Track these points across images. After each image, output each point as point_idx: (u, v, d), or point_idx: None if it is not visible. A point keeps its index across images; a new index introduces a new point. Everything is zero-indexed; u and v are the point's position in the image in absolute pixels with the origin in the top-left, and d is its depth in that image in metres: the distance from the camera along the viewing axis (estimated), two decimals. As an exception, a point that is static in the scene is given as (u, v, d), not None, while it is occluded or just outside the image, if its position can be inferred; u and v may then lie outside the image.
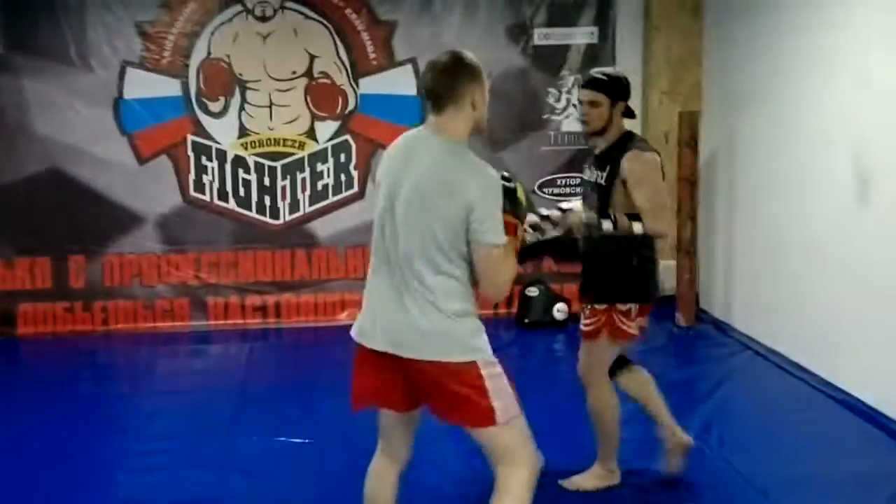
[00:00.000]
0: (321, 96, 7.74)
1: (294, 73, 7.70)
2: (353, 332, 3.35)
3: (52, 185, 7.50)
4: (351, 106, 7.79)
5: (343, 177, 7.84)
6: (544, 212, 4.27)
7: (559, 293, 7.68)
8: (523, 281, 7.55)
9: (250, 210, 7.80)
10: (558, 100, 7.92)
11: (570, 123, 7.81)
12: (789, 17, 6.33)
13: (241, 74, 7.64)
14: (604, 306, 4.30)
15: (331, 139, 7.80)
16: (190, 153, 7.68)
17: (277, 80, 7.70)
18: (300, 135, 7.78)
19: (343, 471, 4.67)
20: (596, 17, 7.92)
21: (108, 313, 7.72)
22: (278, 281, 7.87)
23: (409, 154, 3.21)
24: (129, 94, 7.55)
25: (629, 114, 4.38)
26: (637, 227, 4.07)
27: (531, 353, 7.06)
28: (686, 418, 5.37)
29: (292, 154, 7.78)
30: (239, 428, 5.45)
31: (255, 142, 7.73)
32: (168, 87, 7.60)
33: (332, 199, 7.86)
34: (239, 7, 7.57)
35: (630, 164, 4.19)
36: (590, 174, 4.41)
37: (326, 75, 7.72)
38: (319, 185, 7.84)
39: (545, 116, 7.96)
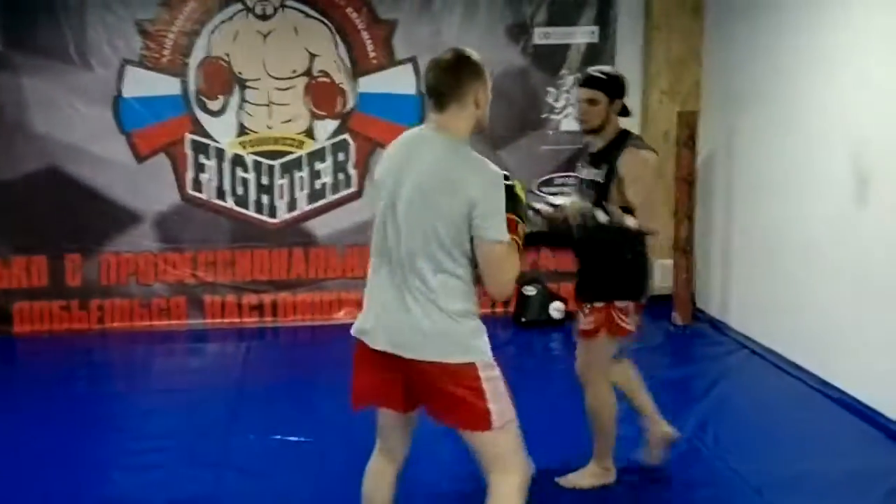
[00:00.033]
0: (321, 95, 7.74)
1: (294, 71, 7.69)
2: (353, 331, 3.33)
3: (50, 183, 7.49)
4: (350, 105, 7.78)
5: (341, 176, 7.83)
6: (536, 205, 4.28)
7: (556, 292, 7.68)
8: (521, 280, 7.54)
9: (248, 209, 7.79)
10: (557, 99, 7.92)
11: (570, 122, 7.79)
12: (790, 17, 6.33)
13: (240, 73, 7.63)
14: (602, 304, 4.31)
15: (330, 138, 7.80)
16: (188, 152, 7.67)
17: (277, 78, 7.69)
18: (299, 133, 7.77)
19: (340, 469, 4.67)
20: (596, 16, 7.91)
21: (104, 312, 7.71)
22: (275, 280, 7.86)
23: (410, 152, 3.20)
24: (128, 92, 7.53)
25: (625, 112, 4.39)
26: (630, 221, 4.08)
27: (528, 352, 7.07)
28: (682, 417, 5.40)
29: (291, 153, 7.78)
30: (236, 426, 5.45)
31: (253, 140, 7.73)
32: (167, 86, 7.58)
33: (330, 198, 7.85)
34: (239, 5, 7.55)
35: (627, 161, 4.21)
36: (585, 172, 4.42)
37: (326, 74, 7.72)
38: (318, 183, 7.83)
39: (544, 115, 7.96)
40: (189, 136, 7.66)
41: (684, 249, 7.54)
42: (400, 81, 7.78)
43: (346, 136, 7.79)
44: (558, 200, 4.25)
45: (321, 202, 7.85)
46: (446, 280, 3.09)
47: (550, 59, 7.91)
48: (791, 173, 6.37)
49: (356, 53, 7.71)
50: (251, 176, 7.75)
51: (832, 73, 5.85)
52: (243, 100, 7.67)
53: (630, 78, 7.66)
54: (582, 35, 7.91)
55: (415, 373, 3.15)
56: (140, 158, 7.60)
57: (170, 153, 7.65)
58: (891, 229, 5.21)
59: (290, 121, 7.74)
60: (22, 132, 7.43)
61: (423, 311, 3.09)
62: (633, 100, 7.72)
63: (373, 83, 7.79)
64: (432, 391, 3.16)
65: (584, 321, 4.39)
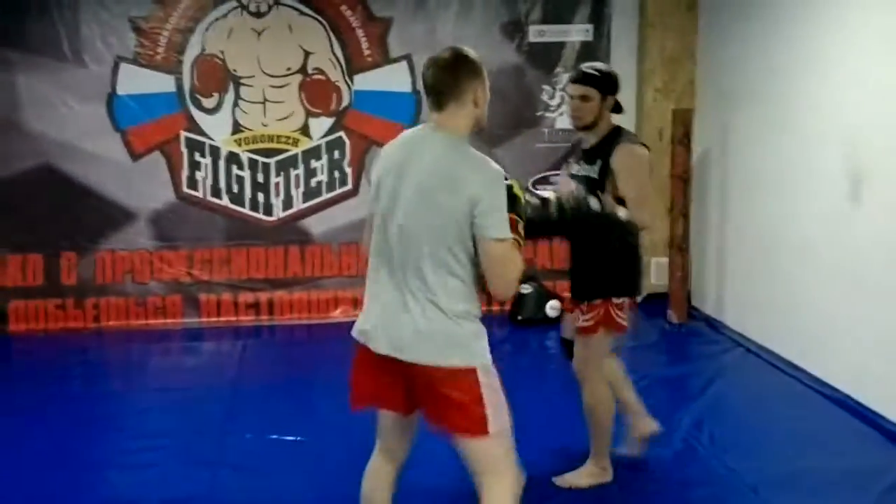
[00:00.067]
0: (316, 92, 7.73)
1: (288, 69, 7.69)
2: (353, 333, 3.31)
3: (45, 181, 7.49)
4: (345, 102, 7.77)
5: (337, 174, 7.83)
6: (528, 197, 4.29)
7: (552, 290, 7.69)
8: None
9: (244, 207, 7.79)
10: (553, 97, 7.92)
11: (565, 120, 7.78)
12: (784, 15, 6.34)
13: (235, 70, 7.62)
14: (599, 301, 4.33)
15: (325, 136, 7.79)
16: (183, 149, 7.66)
17: (272, 76, 7.68)
18: (294, 131, 7.76)
19: (336, 468, 4.70)
20: (591, 14, 7.93)
21: (99, 310, 7.70)
22: (271, 278, 7.86)
23: (409, 152, 3.18)
24: (122, 89, 7.53)
25: (618, 109, 4.40)
26: (622, 213, 4.08)
27: (524, 350, 7.07)
28: (678, 415, 5.42)
29: (286, 150, 7.78)
30: (231, 425, 5.44)
31: (248, 138, 7.72)
32: (162, 83, 7.58)
33: (325, 195, 7.85)
34: (234, 3, 7.55)
35: (621, 156, 4.22)
36: (577, 168, 4.43)
37: (321, 71, 7.71)
38: (313, 181, 7.83)
39: (539, 113, 7.97)
40: (184, 134, 7.65)
41: (680, 247, 7.54)
42: (395, 79, 7.78)
43: (341, 133, 7.79)
44: (545, 193, 4.25)
45: (317, 200, 7.85)
46: (448, 281, 3.07)
47: (545, 57, 7.92)
48: (786, 171, 6.37)
49: (351, 51, 7.71)
50: (246, 174, 7.74)
51: (827, 72, 5.85)
52: (238, 97, 7.67)
53: (624, 75, 7.66)
54: (577, 33, 7.93)
55: (414, 376, 3.12)
56: (135, 156, 7.60)
57: (165, 151, 7.64)
58: (885, 227, 5.22)
59: (285, 118, 7.74)
60: (16, 130, 7.43)
61: (424, 313, 3.07)
62: (627, 97, 7.71)
63: (368, 81, 7.78)
64: (430, 395, 3.13)
65: (582, 318, 4.39)
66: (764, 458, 4.83)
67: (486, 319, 3.23)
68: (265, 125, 7.72)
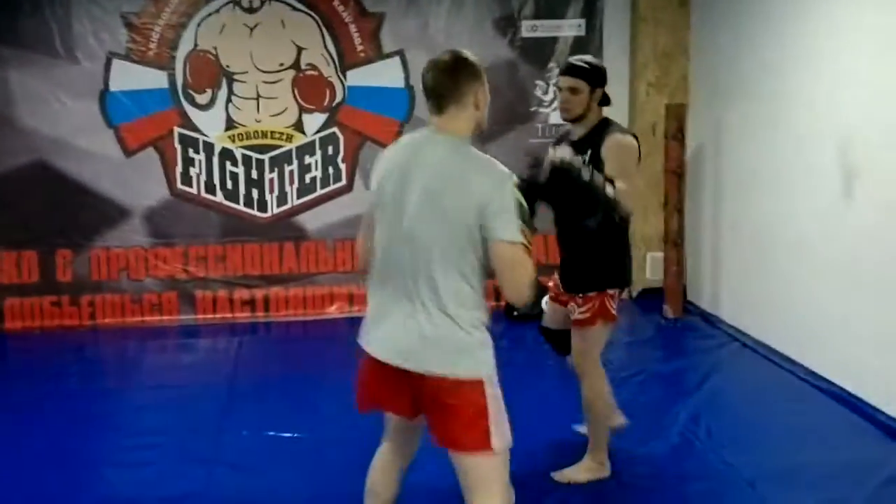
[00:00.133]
0: (309, 88, 7.72)
1: (281, 64, 7.68)
2: (360, 341, 3.27)
3: (38, 177, 7.48)
4: (339, 98, 7.77)
5: (331, 169, 7.82)
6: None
7: (547, 285, 7.67)
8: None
9: (238, 203, 7.78)
10: (546, 92, 7.91)
11: (558, 116, 7.75)
12: (776, 12, 6.34)
13: (228, 66, 7.61)
14: (594, 293, 4.36)
15: (318, 131, 7.79)
16: (177, 146, 7.65)
17: (265, 71, 7.67)
18: (288, 127, 7.75)
19: (334, 464, 4.70)
20: (583, 9, 7.93)
21: (95, 307, 7.70)
22: (267, 274, 7.86)
23: (412, 155, 3.15)
24: (115, 86, 7.52)
25: (606, 101, 4.42)
26: (609, 189, 4.07)
27: (520, 346, 7.05)
28: (674, 410, 5.42)
29: (280, 146, 7.77)
30: (228, 422, 5.44)
31: (242, 134, 7.71)
32: (154, 79, 7.56)
33: (320, 191, 7.84)
34: (226, -2, 7.56)
35: (610, 144, 4.24)
36: (562, 153, 4.42)
37: (314, 67, 7.70)
38: (307, 177, 7.82)
39: (533, 109, 7.97)
40: (177, 130, 7.63)
41: (675, 242, 7.55)
42: (388, 74, 7.78)
43: (334, 129, 7.78)
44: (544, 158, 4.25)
45: (311, 196, 7.84)
46: (458, 286, 3.03)
47: (538, 52, 7.92)
48: (780, 167, 6.38)
49: (343, 46, 7.70)
50: (240, 170, 7.73)
51: (820, 69, 5.86)
52: (231, 93, 7.65)
53: (617, 70, 7.78)
54: (569, 28, 7.93)
55: (419, 385, 3.08)
56: (128, 153, 7.59)
57: (158, 147, 7.63)
58: (878, 223, 5.23)
59: (278, 114, 7.73)
60: (8, 126, 7.42)
61: (432, 319, 3.03)
62: (620, 92, 7.79)
63: (361, 76, 7.77)
64: (434, 405, 3.09)
65: (579, 311, 4.40)
66: (761, 452, 4.84)
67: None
68: (259, 121, 7.71)
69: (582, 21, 7.93)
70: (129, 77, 7.52)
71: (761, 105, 6.61)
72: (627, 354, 6.62)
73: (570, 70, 4.36)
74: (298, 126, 7.76)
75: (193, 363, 6.98)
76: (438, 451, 3.15)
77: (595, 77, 4.34)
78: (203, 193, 7.71)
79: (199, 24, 7.54)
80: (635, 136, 4.41)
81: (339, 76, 7.73)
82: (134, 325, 7.69)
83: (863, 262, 5.40)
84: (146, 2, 7.47)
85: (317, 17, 7.64)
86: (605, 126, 4.34)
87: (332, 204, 7.84)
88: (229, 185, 7.74)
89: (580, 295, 4.40)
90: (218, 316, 7.82)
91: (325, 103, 7.76)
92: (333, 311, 7.82)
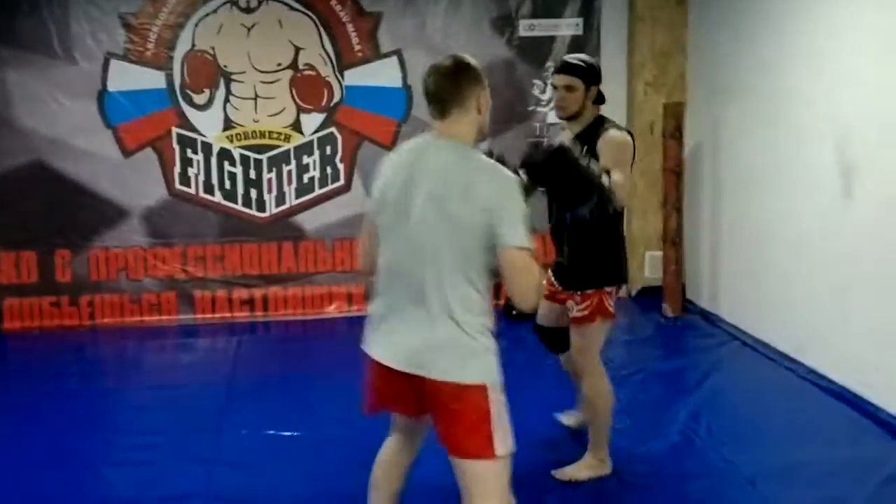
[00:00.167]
0: (307, 88, 7.72)
1: (279, 64, 7.68)
2: (364, 347, 3.27)
3: (36, 178, 7.47)
4: (336, 98, 7.76)
5: (329, 169, 7.82)
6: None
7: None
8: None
9: (236, 203, 7.77)
10: (543, 91, 7.91)
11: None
12: (775, 10, 6.34)
13: (225, 66, 7.61)
14: (593, 290, 4.37)
15: (316, 131, 7.78)
16: (175, 146, 7.64)
17: (262, 72, 7.66)
18: (286, 127, 7.75)
19: (333, 463, 4.71)
20: (581, 8, 7.93)
21: (94, 308, 7.70)
22: (265, 274, 7.85)
23: (416, 160, 3.15)
24: (113, 86, 7.51)
25: (600, 99, 4.44)
26: (605, 178, 4.08)
27: (519, 345, 7.03)
28: (674, 408, 5.42)
29: (278, 146, 7.76)
30: (227, 421, 5.43)
31: (240, 134, 7.70)
32: (152, 80, 7.56)
33: (318, 191, 7.84)
34: (223, -2, 7.55)
35: (607, 141, 4.25)
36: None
37: (312, 67, 7.70)
38: (305, 177, 7.82)
39: (531, 108, 7.97)
40: (175, 130, 7.63)
41: (673, 241, 7.55)
42: (385, 74, 7.77)
43: (332, 129, 7.78)
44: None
45: (309, 196, 7.84)
46: (464, 292, 3.03)
47: (536, 52, 7.92)
48: (779, 165, 6.38)
49: (341, 46, 7.70)
50: (239, 170, 7.73)
51: (818, 67, 5.85)
52: (229, 93, 7.65)
53: (615, 69, 7.78)
54: (566, 27, 7.93)
55: (424, 390, 3.08)
56: (127, 153, 7.58)
57: (156, 147, 7.63)
58: (878, 221, 5.23)
59: (276, 114, 7.72)
60: (7, 127, 7.42)
61: (438, 324, 3.02)
62: (617, 91, 7.81)
63: (358, 76, 7.77)
64: (440, 408, 3.09)
65: (577, 309, 4.41)
66: (761, 450, 4.84)
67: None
68: (256, 121, 7.71)
69: (579, 20, 7.93)
70: (127, 77, 7.51)
71: (760, 103, 6.61)
72: (627, 353, 6.62)
73: (565, 68, 4.37)
74: (296, 126, 7.75)
75: (192, 363, 6.98)
76: (441, 448, 3.15)
77: (590, 75, 4.35)
78: (201, 193, 7.71)
79: (196, 25, 7.54)
80: (630, 133, 4.42)
81: (336, 76, 7.72)
82: (133, 325, 7.68)
83: (862, 260, 5.40)
84: (144, 2, 7.47)
85: (314, 17, 7.63)
86: (600, 123, 4.36)
87: (331, 204, 7.83)
88: (227, 185, 7.73)
89: (579, 292, 4.40)
90: (217, 315, 7.82)
91: (323, 103, 7.75)
92: (332, 311, 7.82)
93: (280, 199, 7.81)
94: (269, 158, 7.75)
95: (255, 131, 7.71)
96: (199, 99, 7.64)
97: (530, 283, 3.01)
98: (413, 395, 3.14)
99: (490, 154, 3.28)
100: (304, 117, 7.75)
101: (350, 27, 7.69)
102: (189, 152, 7.65)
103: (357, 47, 7.72)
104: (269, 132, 7.73)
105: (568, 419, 5.13)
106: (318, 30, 7.65)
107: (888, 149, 5.11)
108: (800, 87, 6.05)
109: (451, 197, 3.00)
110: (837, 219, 5.63)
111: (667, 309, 7.58)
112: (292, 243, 7.86)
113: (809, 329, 6.01)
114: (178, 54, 7.56)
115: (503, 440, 3.07)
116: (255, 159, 7.73)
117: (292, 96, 7.70)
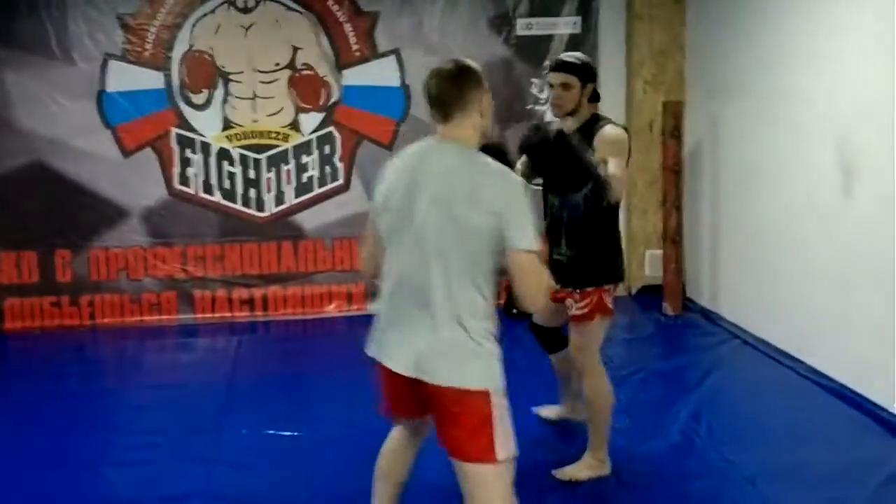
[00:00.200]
0: (305, 88, 7.72)
1: (277, 64, 7.67)
2: (370, 352, 3.27)
3: (36, 178, 7.48)
4: (334, 97, 7.76)
5: (328, 169, 7.81)
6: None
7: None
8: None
9: (236, 203, 7.77)
10: (541, 90, 7.90)
11: (553, 113, 7.80)
12: (774, 6, 6.34)
13: (223, 66, 7.61)
14: (592, 288, 4.38)
15: (315, 131, 7.78)
16: (174, 146, 7.64)
17: (260, 71, 7.66)
18: (284, 127, 7.75)
19: (333, 463, 4.71)
20: (579, 6, 7.92)
21: (94, 308, 7.70)
22: (265, 274, 7.85)
23: (419, 164, 3.15)
24: (111, 86, 7.52)
25: (596, 97, 4.45)
26: (601, 169, 4.08)
27: (518, 344, 6.99)
28: (675, 407, 5.42)
29: (277, 146, 7.76)
30: (227, 421, 5.43)
31: (239, 134, 7.70)
32: (151, 80, 7.56)
33: (317, 190, 7.84)
34: (220, -2, 7.55)
35: (603, 137, 4.27)
36: None
37: (309, 67, 7.70)
38: (304, 177, 7.82)
39: (529, 107, 7.96)
40: (174, 131, 7.63)
41: (673, 239, 7.55)
42: (383, 74, 7.77)
43: (331, 128, 7.78)
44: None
45: (308, 195, 7.84)
46: (472, 297, 3.02)
47: (533, 50, 7.92)
48: (778, 164, 6.37)
49: (339, 46, 7.69)
50: (238, 170, 7.73)
51: (817, 65, 5.84)
52: (227, 93, 7.65)
53: (613, 68, 7.79)
54: (564, 26, 7.92)
55: (428, 393, 3.08)
56: (126, 153, 7.59)
57: (156, 147, 7.63)
58: (877, 219, 5.23)
59: (275, 114, 7.72)
60: (6, 128, 7.43)
61: (444, 329, 3.01)
62: (616, 90, 7.81)
63: (356, 75, 7.77)
64: (442, 412, 3.09)
65: (577, 307, 4.41)
66: (762, 449, 4.83)
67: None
68: (255, 121, 7.71)
69: (577, 19, 7.93)
70: (126, 78, 7.52)
71: (759, 101, 6.61)
72: (627, 352, 6.62)
73: (561, 66, 4.38)
74: (295, 125, 7.75)
75: (192, 362, 6.98)
76: (441, 448, 3.14)
77: (585, 73, 4.37)
78: (201, 193, 7.71)
79: (194, 25, 7.55)
80: (626, 130, 4.44)
81: (334, 75, 7.73)
82: (133, 325, 7.69)
83: (862, 258, 5.40)
84: (141, 3, 7.48)
85: (311, 17, 7.63)
86: (596, 121, 4.37)
87: (330, 203, 7.83)
88: (227, 184, 7.73)
89: (578, 290, 4.41)
90: (217, 315, 7.82)
91: (322, 103, 7.75)
92: (332, 310, 7.82)
93: (279, 198, 7.82)
94: (268, 158, 7.76)
95: (253, 131, 7.71)
96: (198, 99, 7.64)
97: (540, 285, 3.02)
98: (417, 398, 3.14)
99: (488, 145, 3.28)
100: (302, 117, 7.75)
101: (347, 27, 7.69)
102: (188, 152, 7.65)
103: (355, 47, 7.71)
104: (268, 132, 7.73)
105: (548, 412, 5.18)
106: (316, 29, 7.64)
107: (888, 147, 5.10)
108: (800, 86, 6.05)
109: (456, 200, 2.99)
110: (837, 217, 5.63)
111: (667, 307, 7.58)
112: (292, 243, 7.86)
113: (810, 327, 6.01)
114: (177, 55, 7.57)
115: (505, 444, 3.07)
116: (254, 159, 7.73)
117: (291, 96, 7.70)
